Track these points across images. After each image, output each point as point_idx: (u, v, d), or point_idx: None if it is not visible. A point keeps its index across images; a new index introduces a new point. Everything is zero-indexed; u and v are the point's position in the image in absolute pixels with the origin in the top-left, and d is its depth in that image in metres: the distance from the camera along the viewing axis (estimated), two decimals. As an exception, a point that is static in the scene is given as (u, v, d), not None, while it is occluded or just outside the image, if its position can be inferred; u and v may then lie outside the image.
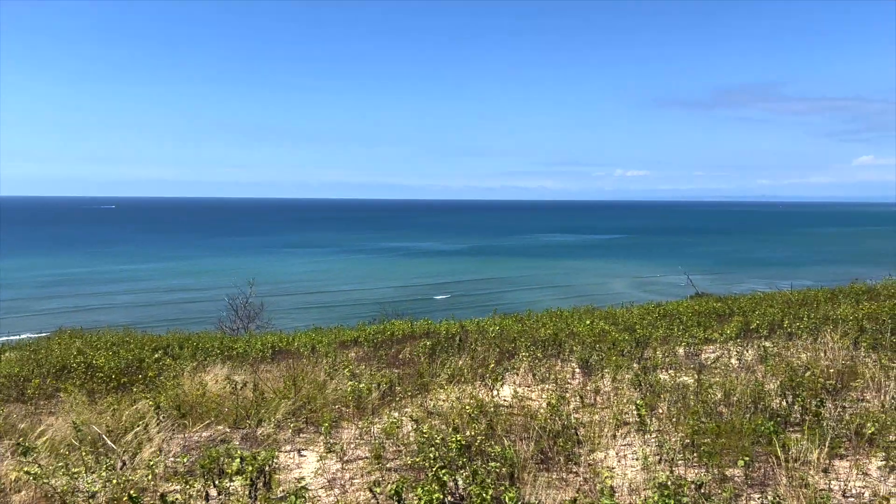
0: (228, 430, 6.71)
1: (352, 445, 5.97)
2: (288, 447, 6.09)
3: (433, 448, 4.95)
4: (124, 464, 5.50)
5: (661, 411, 6.20)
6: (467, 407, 5.92)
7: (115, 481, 4.72)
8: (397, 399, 7.31)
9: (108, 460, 5.29)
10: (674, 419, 5.80)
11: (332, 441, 5.89)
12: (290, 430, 6.42)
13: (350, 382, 7.52)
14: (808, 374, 6.72)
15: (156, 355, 10.39)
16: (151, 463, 5.05)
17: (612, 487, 4.38)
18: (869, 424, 5.20)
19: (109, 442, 5.96)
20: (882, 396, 6.26)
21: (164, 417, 6.62)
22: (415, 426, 5.66)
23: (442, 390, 7.19)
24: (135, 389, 7.99)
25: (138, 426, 6.29)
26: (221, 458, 5.00)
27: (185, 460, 5.52)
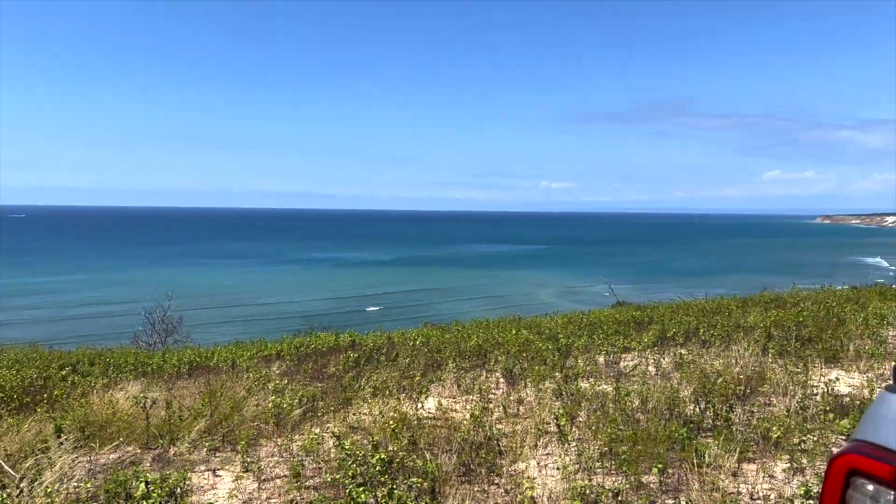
0: (139, 451, 6.40)
1: (270, 464, 5.80)
2: (202, 467, 5.85)
3: (354, 465, 4.86)
4: (21, 491, 5.14)
5: (581, 420, 6.30)
6: (390, 421, 5.85)
7: (9, 511, 4.41)
8: (319, 414, 7.16)
9: (3, 488, 4.94)
10: (593, 427, 5.90)
11: (249, 460, 5.70)
12: (206, 450, 6.18)
13: (271, 398, 7.32)
14: (720, 380, 6.99)
15: (63, 372, 9.83)
16: (49, 490, 4.74)
17: (532, 498, 4.40)
18: (774, 428, 5.43)
19: (6, 467, 5.57)
20: (787, 401, 6.57)
21: (68, 439, 6.25)
22: (336, 442, 5.54)
23: (366, 404, 7.09)
24: (38, 409, 7.51)
25: (40, 449, 5.92)
26: (129, 481, 4.75)
27: (89, 485, 5.21)
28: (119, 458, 6.22)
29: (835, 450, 5.25)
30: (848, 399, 6.46)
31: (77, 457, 6.06)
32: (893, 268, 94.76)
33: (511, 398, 7.27)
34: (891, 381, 1.95)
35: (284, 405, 6.99)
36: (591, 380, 7.82)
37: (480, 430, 5.74)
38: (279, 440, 6.30)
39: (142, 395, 7.74)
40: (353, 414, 6.93)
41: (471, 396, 7.60)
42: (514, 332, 11.26)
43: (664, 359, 8.77)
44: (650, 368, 8.34)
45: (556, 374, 8.00)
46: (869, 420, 1.93)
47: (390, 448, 5.37)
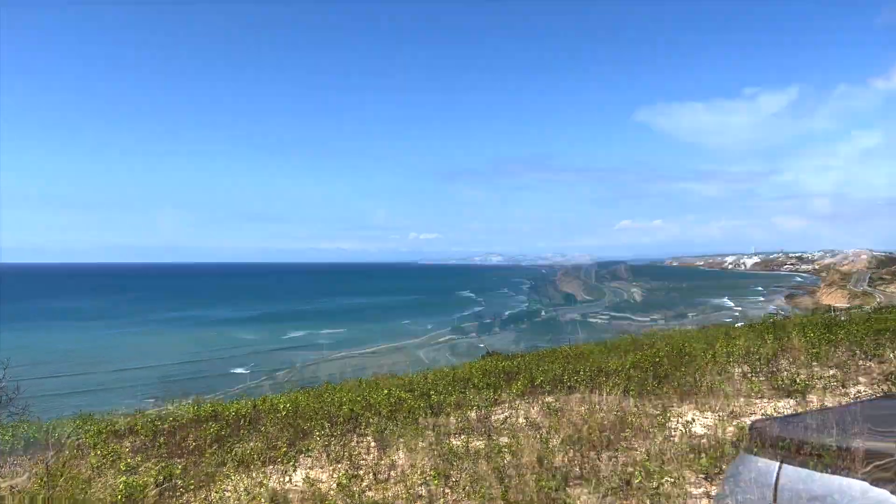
0: (-42, 556, 5.58)
1: (119, 558, 5.23)
2: (37, 570, 5.18)
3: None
4: None
5: (454, 480, 6.23)
6: (255, 499, 5.49)
7: None
8: (178, 494, 6.61)
9: None
10: (466, 488, 5.85)
11: (93, 556, 5.12)
12: (42, 548, 5.48)
13: (121, 478, 6.66)
14: (586, 427, 7.21)
15: None
16: None
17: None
18: (637, 473, 5.64)
19: None
20: (648, 444, 6.87)
21: None
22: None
23: (229, 480, 6.63)
24: None
25: None
26: None
27: None
28: (-68, 568, 5.38)
29: (692, 490, 5.54)
30: (704, 440, 6.85)
31: None
32: (739, 308, 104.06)
33: (382, 462, 7.08)
34: (746, 442, 2.07)
35: (137, 485, 6.39)
36: (463, 437, 7.80)
37: (350, 500, 5.52)
38: (130, 529, 5.72)
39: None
40: (216, 492, 6.45)
41: (340, 465, 7.33)
42: (385, 391, 11.08)
43: (533, 408, 8.94)
44: (520, 420, 8.46)
45: (429, 432, 7.91)
46: (728, 482, 2.03)
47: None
